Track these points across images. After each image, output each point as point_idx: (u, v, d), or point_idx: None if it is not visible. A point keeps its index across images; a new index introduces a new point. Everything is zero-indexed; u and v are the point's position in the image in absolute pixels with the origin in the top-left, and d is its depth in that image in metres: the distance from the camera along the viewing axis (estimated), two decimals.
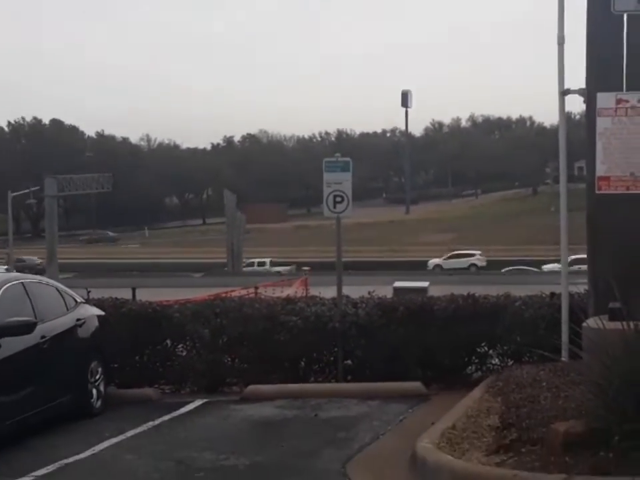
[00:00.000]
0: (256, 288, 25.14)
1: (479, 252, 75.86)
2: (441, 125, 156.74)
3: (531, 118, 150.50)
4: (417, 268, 64.39)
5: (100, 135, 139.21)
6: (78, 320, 12.09)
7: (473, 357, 13.18)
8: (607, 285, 8.81)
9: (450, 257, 74.42)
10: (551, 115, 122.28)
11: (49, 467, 9.04)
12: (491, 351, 13.11)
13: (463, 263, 72.22)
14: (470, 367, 13.23)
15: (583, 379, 7.75)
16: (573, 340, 8.77)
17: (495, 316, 12.79)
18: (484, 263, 72.83)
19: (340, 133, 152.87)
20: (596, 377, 7.30)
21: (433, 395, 12.34)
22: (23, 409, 10.27)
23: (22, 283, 11.30)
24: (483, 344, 13.05)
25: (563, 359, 9.85)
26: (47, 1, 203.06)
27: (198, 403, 12.54)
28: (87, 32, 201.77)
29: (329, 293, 14.90)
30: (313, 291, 21.86)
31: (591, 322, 8.95)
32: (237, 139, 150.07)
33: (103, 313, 13.07)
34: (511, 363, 12.58)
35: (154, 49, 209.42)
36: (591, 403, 7.26)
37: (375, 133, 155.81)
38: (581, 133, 11.15)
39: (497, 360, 13.07)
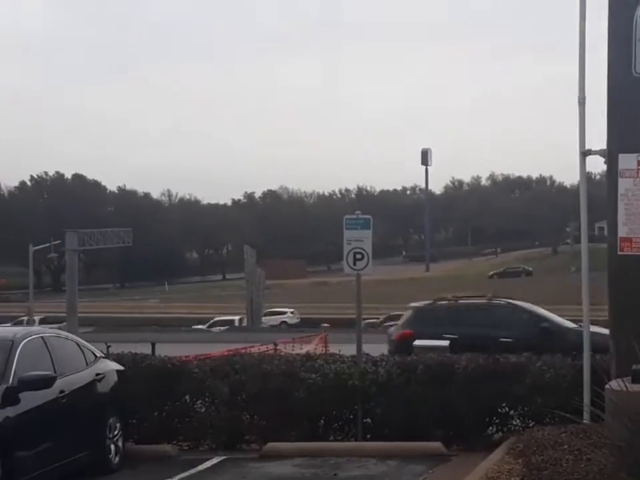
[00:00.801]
0: (275, 344, 25.09)
1: (291, 310, 78.01)
2: (460, 183, 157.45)
3: (551, 177, 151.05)
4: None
5: (121, 190, 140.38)
6: (97, 375, 12.10)
7: (494, 417, 13.07)
8: (630, 346, 8.75)
9: (265, 315, 76.16)
10: (571, 175, 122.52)
11: None
12: (511, 412, 13.00)
13: (274, 320, 74.20)
14: (491, 428, 13.11)
15: (605, 441, 7.67)
16: (595, 402, 8.69)
17: (516, 376, 12.71)
18: (296, 320, 75.14)
19: (360, 190, 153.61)
20: (618, 440, 7.23)
21: (453, 455, 12.22)
22: (41, 464, 10.24)
23: (42, 337, 11.34)
24: (503, 404, 12.95)
25: (585, 421, 9.76)
26: (66, 54, 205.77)
27: (216, 460, 12.47)
28: (108, 89, 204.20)
29: (348, 350, 14.87)
30: (333, 348, 21.78)
31: (614, 384, 8.87)
32: (257, 194, 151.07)
33: (122, 368, 13.08)
34: (532, 424, 12.46)
35: (174, 106, 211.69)
36: (613, 467, 7.19)
37: (395, 190, 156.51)
38: (601, 193, 11.14)
39: (518, 421, 12.95)
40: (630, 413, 7.22)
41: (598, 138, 10.98)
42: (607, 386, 8.86)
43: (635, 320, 10.12)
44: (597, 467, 7.58)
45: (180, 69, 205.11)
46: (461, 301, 20.33)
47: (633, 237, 10.02)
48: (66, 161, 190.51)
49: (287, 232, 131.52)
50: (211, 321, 70.23)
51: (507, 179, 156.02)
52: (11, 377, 10.14)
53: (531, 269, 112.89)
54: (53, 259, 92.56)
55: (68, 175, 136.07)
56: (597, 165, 11.37)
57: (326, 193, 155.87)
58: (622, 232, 10.07)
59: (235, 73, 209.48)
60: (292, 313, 77.09)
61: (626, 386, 8.00)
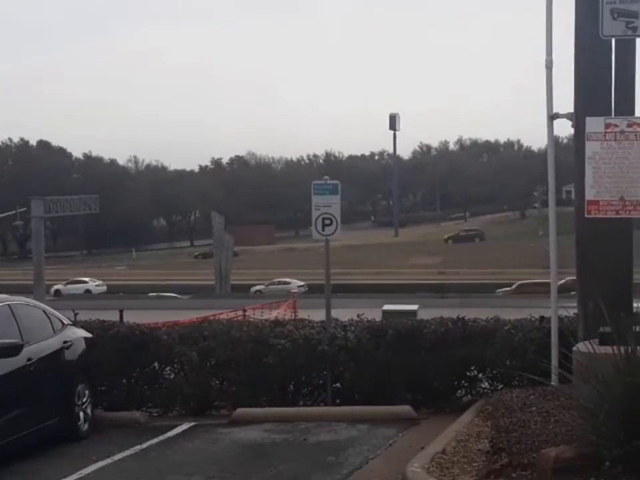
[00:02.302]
0: (244, 310, 25.10)
1: (99, 281, 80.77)
2: (429, 147, 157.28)
3: (519, 141, 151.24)
4: (406, 290, 64.35)
5: (87, 157, 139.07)
6: (65, 342, 12.02)
7: (463, 381, 13.15)
8: (597, 309, 8.80)
9: (69, 283, 79.00)
10: (539, 139, 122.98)
11: None
12: (480, 375, 13.09)
13: (79, 289, 76.91)
14: (460, 391, 13.20)
15: (573, 403, 7.73)
16: (563, 364, 8.75)
17: (485, 340, 12.78)
18: (102, 289, 78.00)
19: (328, 156, 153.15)
20: (586, 402, 7.28)
21: (422, 419, 12.30)
22: (9, 432, 10.17)
23: (8, 305, 11.23)
24: (472, 367, 13.03)
25: (553, 383, 9.83)
26: (30, 20, 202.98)
27: (186, 426, 12.47)
28: (74, 51, 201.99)
29: (317, 315, 14.88)
30: (302, 314, 21.81)
31: (581, 346, 8.93)
32: (224, 160, 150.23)
33: (90, 335, 13.01)
34: (500, 387, 12.55)
35: (141, 71, 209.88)
36: (581, 428, 7.24)
37: (363, 155, 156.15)
38: (568, 157, 11.15)
39: (486, 384, 13.04)
40: (597, 375, 7.27)
41: (565, 101, 11.00)
42: (574, 348, 8.91)
43: (602, 282, 10.19)
44: (565, 428, 7.64)
45: (141, 32, 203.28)
46: None
47: (600, 199, 10.04)
48: (30, 127, 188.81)
49: (254, 198, 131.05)
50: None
51: (474, 143, 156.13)
52: None
53: (483, 231, 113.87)
54: (18, 226, 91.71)
55: (33, 142, 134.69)
56: (564, 129, 11.38)
57: (294, 159, 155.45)
58: (589, 195, 10.09)
59: (199, 37, 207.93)
60: (97, 285, 79.56)
61: (593, 348, 8.04)
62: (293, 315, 26.43)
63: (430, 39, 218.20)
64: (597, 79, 10.49)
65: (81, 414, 11.97)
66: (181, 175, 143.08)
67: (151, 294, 66.81)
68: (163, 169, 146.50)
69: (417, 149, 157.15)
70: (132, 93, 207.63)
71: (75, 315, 13.97)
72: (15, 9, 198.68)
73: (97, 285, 79.81)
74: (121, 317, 15.42)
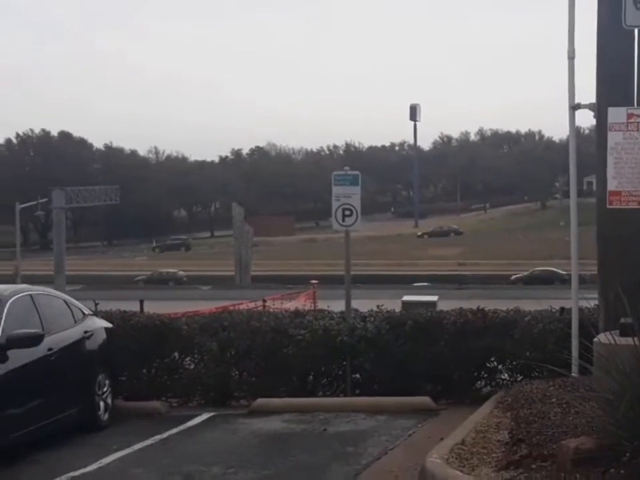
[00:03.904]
0: (264, 301, 25.13)
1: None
2: (449, 138, 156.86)
3: (539, 132, 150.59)
4: (427, 281, 64.19)
5: (108, 147, 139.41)
6: (85, 332, 12.08)
7: (482, 372, 13.12)
8: (618, 300, 8.75)
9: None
10: (560, 129, 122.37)
11: None
12: (500, 366, 13.06)
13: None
14: (479, 382, 13.17)
15: (593, 394, 7.68)
16: (583, 355, 8.71)
17: (505, 331, 12.75)
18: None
19: (348, 146, 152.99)
20: (606, 393, 7.24)
21: (442, 409, 12.29)
22: (30, 422, 10.24)
23: (30, 295, 11.29)
24: (492, 359, 13.00)
25: (573, 374, 9.79)
26: (62, 11, 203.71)
27: (205, 416, 12.50)
28: (96, 42, 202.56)
29: (337, 306, 14.88)
30: (321, 305, 21.83)
31: (602, 337, 8.88)
32: (245, 151, 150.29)
33: (110, 325, 13.06)
34: (520, 378, 12.52)
35: (163, 61, 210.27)
36: (602, 419, 7.20)
37: (384, 146, 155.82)
38: (590, 148, 11.11)
39: (506, 375, 13.01)
40: (618, 366, 7.23)
41: (587, 92, 10.94)
42: (595, 339, 8.87)
43: (623, 273, 10.13)
44: (585, 419, 7.60)
45: (151, 16, 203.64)
46: None
47: (622, 190, 9.98)
48: (52, 118, 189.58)
49: (274, 189, 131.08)
50: None
51: (495, 134, 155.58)
52: None
53: (460, 228, 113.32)
54: (39, 217, 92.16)
55: (54, 133, 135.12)
56: (585, 120, 11.34)
57: (314, 150, 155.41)
58: (611, 186, 10.03)
59: (220, 28, 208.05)
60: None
61: (614, 339, 8.00)
62: (312, 305, 26.43)
63: (454, 32, 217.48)
64: (619, 69, 10.42)
65: (102, 403, 12.03)
66: (201, 165, 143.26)
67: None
68: (183, 159, 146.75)
69: (438, 139, 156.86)
70: (158, 85, 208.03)
71: (96, 305, 14.04)
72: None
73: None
74: (142, 307, 15.50)
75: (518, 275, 67.27)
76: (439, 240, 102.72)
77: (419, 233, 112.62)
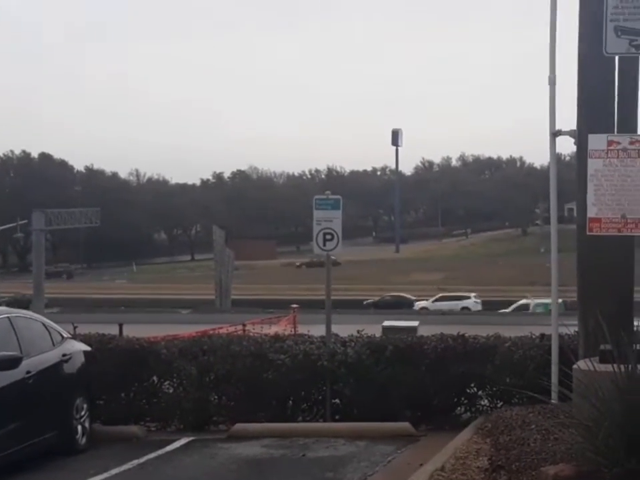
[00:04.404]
0: (244, 325, 25.05)
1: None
2: (431, 163, 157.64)
3: (521, 158, 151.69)
4: (407, 307, 64.31)
5: (89, 170, 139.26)
6: (64, 355, 11.99)
7: (462, 398, 13.10)
8: (598, 326, 8.76)
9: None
10: (541, 156, 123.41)
11: None
12: (480, 392, 13.04)
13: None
14: (459, 408, 13.15)
15: (572, 421, 7.68)
16: (563, 382, 8.71)
17: (485, 357, 12.75)
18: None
19: (330, 170, 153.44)
20: (586, 420, 7.24)
21: (421, 435, 12.25)
22: (7, 445, 10.13)
23: (8, 317, 11.20)
24: (472, 384, 12.98)
25: (553, 400, 9.78)
26: (38, 32, 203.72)
27: (184, 441, 12.42)
28: (77, 63, 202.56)
29: (317, 331, 14.84)
30: (302, 329, 21.77)
31: (582, 364, 8.89)
32: (226, 174, 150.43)
33: (89, 349, 12.98)
34: (500, 404, 12.50)
35: (143, 83, 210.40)
36: (581, 446, 7.19)
37: (365, 171, 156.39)
38: (571, 174, 11.13)
39: (486, 401, 13.00)
40: (597, 393, 7.23)
41: (568, 119, 10.99)
42: (574, 366, 8.87)
43: (603, 300, 10.14)
44: (565, 446, 7.59)
45: (140, 41, 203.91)
46: None
47: (602, 217, 10.01)
48: (32, 140, 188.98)
49: (256, 212, 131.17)
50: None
51: (477, 159, 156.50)
52: None
53: (337, 259, 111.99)
54: (19, 238, 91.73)
55: (34, 154, 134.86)
56: (567, 147, 11.37)
57: (295, 174, 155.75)
58: (591, 212, 10.06)
59: (203, 50, 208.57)
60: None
61: (594, 366, 8.01)
62: (292, 330, 26.36)
63: (433, 57, 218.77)
64: (600, 96, 10.48)
65: (79, 427, 11.93)
66: (183, 188, 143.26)
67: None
68: (165, 182, 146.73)
69: (419, 164, 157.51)
70: (138, 106, 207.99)
71: (75, 328, 13.95)
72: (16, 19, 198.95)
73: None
74: (121, 330, 15.42)
75: (369, 300, 69.58)
76: (417, 265, 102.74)
77: (297, 264, 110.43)
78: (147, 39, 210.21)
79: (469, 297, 71.30)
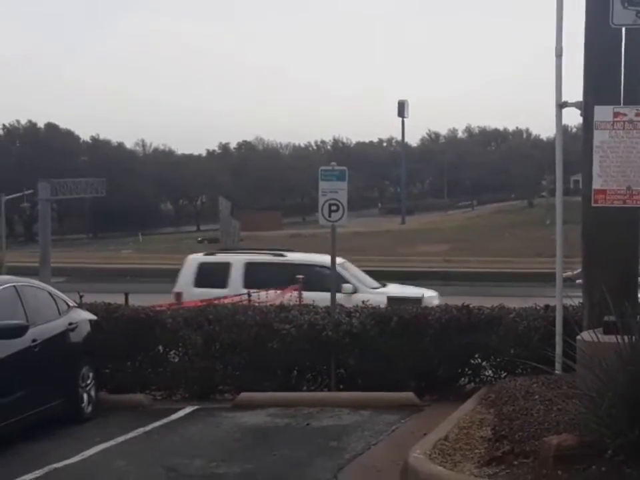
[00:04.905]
0: (249, 295, 25.05)
1: None
2: (437, 135, 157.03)
3: (527, 130, 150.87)
4: (412, 278, 64.30)
5: (95, 140, 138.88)
6: (70, 324, 12.06)
7: (466, 368, 13.16)
8: (602, 298, 8.79)
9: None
10: (548, 128, 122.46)
11: (37, 472, 9.01)
12: (484, 363, 13.09)
13: None
14: (463, 378, 13.21)
15: (576, 392, 7.73)
16: (567, 353, 8.75)
17: (490, 328, 12.78)
18: None
19: (336, 142, 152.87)
20: (589, 391, 7.28)
21: (425, 405, 12.31)
22: (13, 413, 10.22)
23: (14, 286, 11.26)
24: (476, 355, 13.03)
25: (557, 371, 9.83)
26: (44, 5, 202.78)
27: (189, 409, 12.50)
28: (82, 37, 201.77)
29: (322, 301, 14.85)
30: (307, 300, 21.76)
31: (585, 335, 8.93)
32: (232, 145, 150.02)
33: (95, 318, 13.04)
34: (504, 375, 12.56)
35: (149, 55, 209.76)
36: (584, 417, 7.24)
37: (371, 142, 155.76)
38: (577, 146, 11.11)
39: (490, 372, 13.05)
40: (601, 364, 7.27)
41: (575, 91, 10.96)
42: (578, 337, 8.92)
43: (608, 271, 10.16)
44: (568, 416, 7.64)
45: (137, 18, 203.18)
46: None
47: (607, 188, 10.01)
48: (39, 110, 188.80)
49: (262, 183, 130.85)
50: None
51: (483, 131, 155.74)
52: None
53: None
54: (25, 208, 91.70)
55: (41, 124, 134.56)
56: (573, 118, 11.36)
57: (302, 145, 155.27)
58: (596, 184, 10.06)
59: (205, 23, 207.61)
60: None
61: (597, 337, 8.05)
62: (298, 300, 26.37)
63: (440, 27, 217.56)
64: (606, 67, 10.44)
65: (85, 396, 12.02)
66: (189, 159, 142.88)
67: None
68: (171, 152, 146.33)
69: (425, 136, 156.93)
70: (141, 78, 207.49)
71: (81, 297, 14.00)
72: None
73: None
74: (127, 299, 15.45)
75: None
76: (423, 236, 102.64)
77: (199, 239, 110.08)
78: (151, 10, 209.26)
79: None
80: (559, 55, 10.94)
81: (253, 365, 13.32)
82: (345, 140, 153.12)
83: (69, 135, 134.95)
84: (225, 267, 19.84)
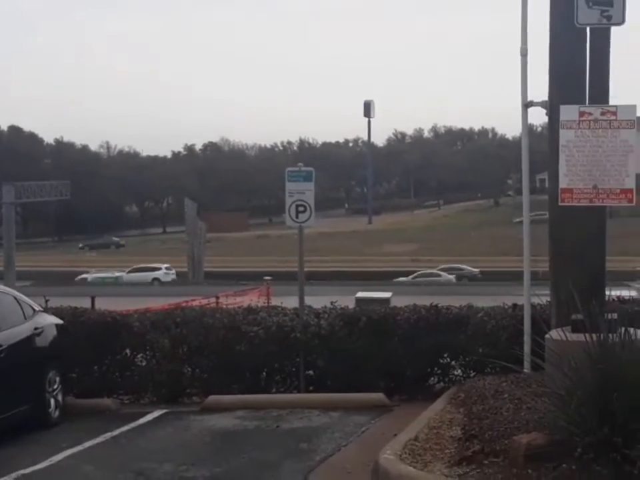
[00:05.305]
0: (217, 297, 25.06)
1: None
2: (403, 135, 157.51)
3: (493, 129, 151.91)
4: (380, 278, 64.45)
5: (59, 142, 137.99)
6: (36, 329, 11.93)
7: (436, 368, 13.17)
8: (569, 296, 8.83)
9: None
10: (513, 127, 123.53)
11: (4, 479, 8.89)
12: (453, 362, 13.11)
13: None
14: (432, 378, 13.22)
15: (545, 390, 7.74)
16: (536, 351, 8.78)
17: (458, 327, 12.80)
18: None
19: (302, 142, 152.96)
20: (558, 389, 7.30)
21: (395, 406, 12.30)
22: None
23: None
24: (445, 355, 13.05)
25: (525, 370, 9.86)
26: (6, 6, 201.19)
27: (157, 413, 12.41)
28: (45, 34, 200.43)
29: (290, 302, 14.84)
30: (275, 301, 21.79)
31: (554, 333, 8.97)
32: (198, 147, 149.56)
33: (61, 322, 12.91)
34: (473, 374, 12.58)
35: (113, 53, 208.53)
36: (553, 415, 7.25)
37: (338, 142, 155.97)
38: (542, 145, 11.18)
39: (459, 371, 13.07)
40: (569, 362, 7.29)
41: (540, 90, 11.01)
42: (547, 336, 8.95)
43: (575, 270, 10.22)
44: (537, 415, 7.65)
45: (108, 16, 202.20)
46: None
47: (573, 187, 10.07)
48: (1, 112, 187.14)
49: (228, 184, 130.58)
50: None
51: (449, 131, 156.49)
52: None
53: (122, 242, 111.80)
54: None
55: (4, 127, 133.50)
56: (538, 118, 11.41)
57: (267, 145, 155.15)
58: (563, 183, 10.11)
59: (173, 23, 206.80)
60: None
61: (566, 335, 8.07)
62: (266, 301, 26.40)
63: (406, 28, 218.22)
64: (571, 67, 10.48)
65: (52, 401, 11.90)
66: (154, 160, 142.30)
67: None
68: (136, 154, 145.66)
69: (392, 136, 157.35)
70: (108, 78, 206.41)
71: (46, 301, 13.87)
72: None
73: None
74: (93, 303, 15.36)
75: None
76: (390, 236, 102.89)
77: (80, 245, 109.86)
78: (111, 12, 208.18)
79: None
80: (523, 54, 10.99)
81: (221, 367, 13.25)
82: (311, 140, 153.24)
83: (33, 138, 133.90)
84: None
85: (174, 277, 70.63)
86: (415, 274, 67.70)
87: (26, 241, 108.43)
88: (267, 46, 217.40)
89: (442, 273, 68.73)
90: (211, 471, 9.06)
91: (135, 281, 65.15)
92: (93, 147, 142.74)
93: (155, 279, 69.53)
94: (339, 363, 13.02)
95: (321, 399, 12.64)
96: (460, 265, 72.07)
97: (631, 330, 7.39)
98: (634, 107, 10.12)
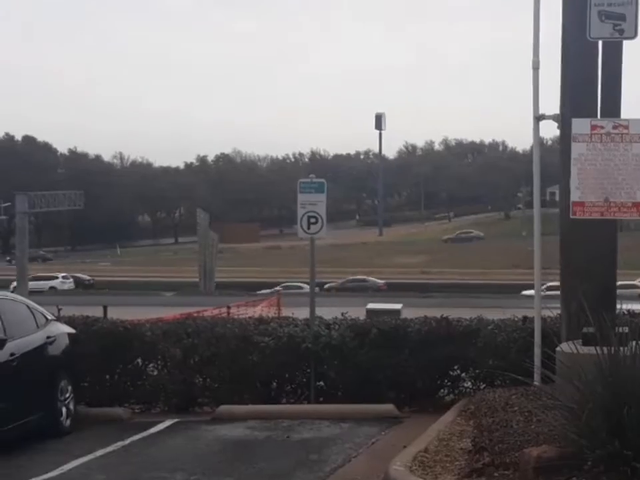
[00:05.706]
0: (228, 308, 25.09)
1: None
2: (414, 147, 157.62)
3: (503, 142, 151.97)
4: (391, 290, 64.40)
5: (72, 152, 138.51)
6: (48, 337, 11.98)
7: (446, 380, 13.17)
8: (580, 309, 8.83)
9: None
10: (523, 140, 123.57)
11: None
12: (463, 374, 13.11)
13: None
14: (442, 390, 13.22)
15: (555, 403, 7.74)
16: (546, 364, 8.78)
17: (468, 339, 12.81)
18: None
19: (314, 154, 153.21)
20: (569, 402, 7.30)
21: (405, 417, 12.31)
22: None
23: None
24: (455, 367, 13.05)
25: (536, 382, 9.85)
26: (27, 19, 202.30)
27: (169, 422, 12.44)
28: (62, 51, 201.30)
29: (301, 313, 14.87)
30: (286, 312, 21.80)
31: (565, 346, 8.96)
32: (210, 158, 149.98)
33: (73, 331, 12.96)
34: (483, 386, 12.58)
35: (128, 69, 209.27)
36: (564, 428, 7.25)
37: (349, 154, 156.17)
38: (553, 158, 11.19)
39: (469, 383, 13.07)
40: (580, 375, 7.29)
41: (552, 103, 11.03)
42: (557, 348, 8.94)
43: (586, 283, 10.20)
44: (547, 428, 7.66)
45: (119, 26, 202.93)
46: None
47: (585, 201, 10.07)
48: (16, 122, 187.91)
49: (240, 196, 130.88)
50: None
51: (460, 143, 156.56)
52: None
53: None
54: (2, 221, 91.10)
55: (18, 137, 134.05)
56: (549, 131, 11.42)
57: (279, 157, 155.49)
58: (574, 196, 10.12)
59: (184, 34, 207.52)
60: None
61: (577, 348, 8.08)
62: (277, 312, 26.41)
63: (418, 41, 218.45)
64: (583, 80, 10.50)
65: (64, 409, 11.93)
66: (167, 171, 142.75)
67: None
68: (148, 165, 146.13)
69: (403, 148, 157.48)
70: (120, 90, 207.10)
71: (59, 310, 13.93)
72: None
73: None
74: (105, 312, 15.41)
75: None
76: (402, 248, 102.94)
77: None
78: (122, 23, 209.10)
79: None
80: (535, 67, 11.00)
81: (232, 377, 13.28)
82: (322, 152, 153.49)
83: (47, 148, 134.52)
84: None
85: (71, 285, 73.81)
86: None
87: (38, 250, 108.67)
88: (279, 59, 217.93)
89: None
90: None
91: (33, 288, 64.96)
92: (107, 157, 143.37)
93: (52, 287, 71.31)
94: (349, 374, 13.05)
95: (331, 409, 12.65)
96: (365, 277, 73.81)
97: None
98: None
